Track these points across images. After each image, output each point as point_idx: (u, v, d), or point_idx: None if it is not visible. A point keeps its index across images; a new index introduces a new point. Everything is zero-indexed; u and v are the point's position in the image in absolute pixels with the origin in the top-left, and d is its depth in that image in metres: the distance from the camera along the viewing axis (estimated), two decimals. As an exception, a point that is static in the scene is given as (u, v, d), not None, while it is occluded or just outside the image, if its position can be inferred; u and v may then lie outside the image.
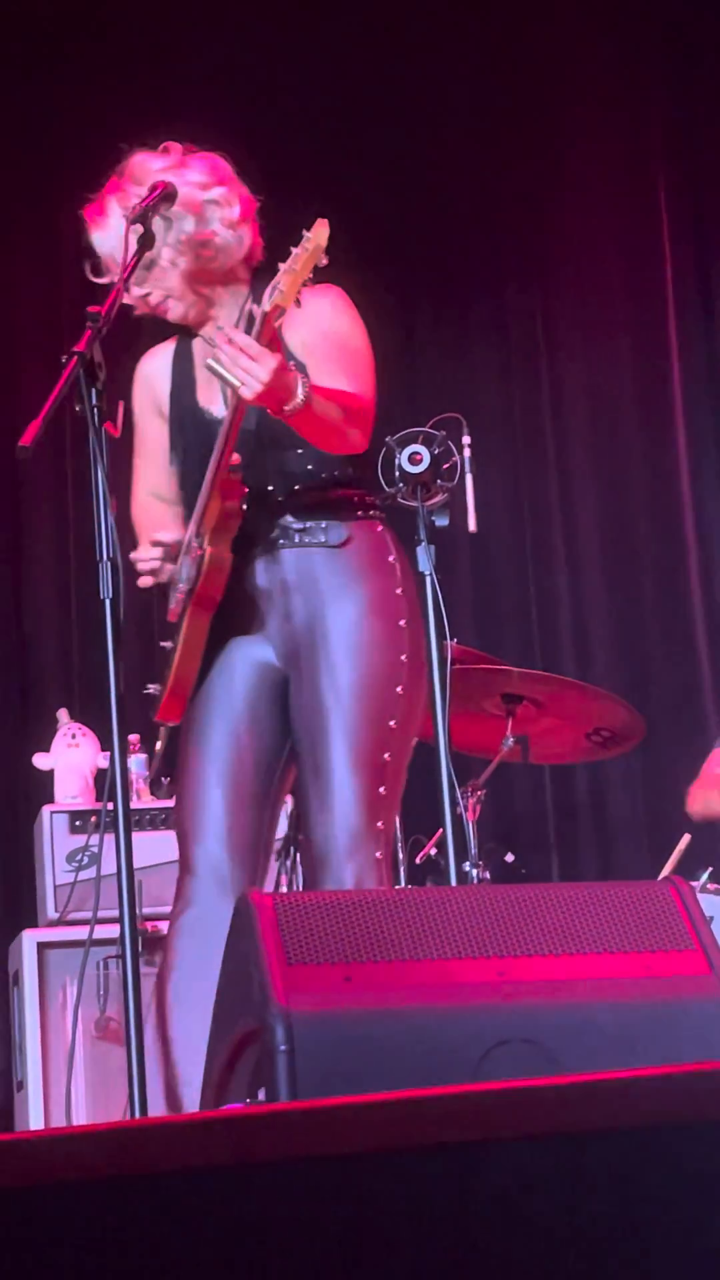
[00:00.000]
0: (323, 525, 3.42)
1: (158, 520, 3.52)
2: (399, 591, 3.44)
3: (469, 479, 3.93)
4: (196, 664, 3.41)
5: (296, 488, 3.42)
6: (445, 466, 3.63)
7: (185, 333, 3.57)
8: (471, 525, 4.07)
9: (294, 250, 3.18)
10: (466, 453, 3.83)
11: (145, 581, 3.41)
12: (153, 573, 3.39)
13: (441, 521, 3.62)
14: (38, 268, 6.17)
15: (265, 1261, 1.52)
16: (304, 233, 3.19)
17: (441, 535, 3.73)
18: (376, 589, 3.41)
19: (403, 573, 3.46)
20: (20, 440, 2.95)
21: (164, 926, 3.59)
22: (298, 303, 3.18)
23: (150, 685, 3.49)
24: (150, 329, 3.63)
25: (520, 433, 6.42)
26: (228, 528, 3.35)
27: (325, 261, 3.17)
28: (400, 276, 6.44)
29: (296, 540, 3.42)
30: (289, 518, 3.42)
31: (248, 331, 3.18)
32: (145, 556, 3.38)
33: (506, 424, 6.40)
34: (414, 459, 3.60)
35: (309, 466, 3.42)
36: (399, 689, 3.39)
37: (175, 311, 3.50)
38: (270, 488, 3.41)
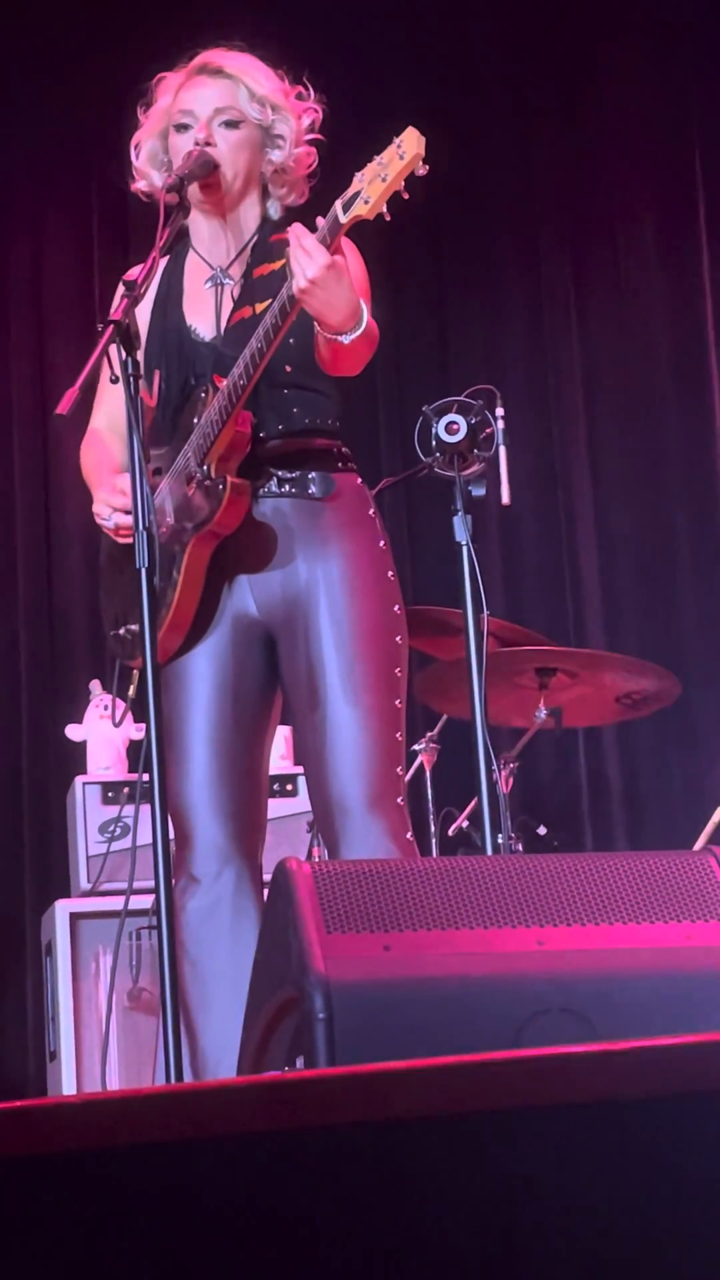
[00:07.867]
0: (311, 476, 3.35)
1: (111, 458, 3.43)
2: (382, 545, 3.40)
3: (502, 451, 3.92)
4: (197, 596, 3.33)
5: (280, 427, 3.34)
6: (482, 436, 3.61)
7: (179, 244, 3.45)
8: (505, 497, 4.06)
9: (377, 158, 2.97)
10: (500, 424, 3.82)
11: (127, 534, 3.26)
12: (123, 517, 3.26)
13: (478, 491, 3.60)
14: (67, 236, 6.17)
15: (305, 1226, 1.51)
16: (394, 140, 2.96)
17: (473, 505, 3.72)
18: (365, 543, 3.37)
19: (381, 525, 3.43)
20: (57, 409, 2.94)
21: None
22: (383, 216, 2.96)
23: (126, 628, 3.36)
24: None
25: (552, 404, 6.39)
26: (236, 457, 3.28)
27: (425, 171, 2.93)
28: (432, 245, 6.40)
29: (284, 490, 3.35)
30: (277, 466, 3.34)
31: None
32: (117, 503, 3.26)
33: (538, 396, 6.36)
34: (450, 428, 3.58)
35: (295, 410, 3.36)
36: (398, 639, 3.36)
37: (211, 194, 3.36)
38: (258, 426, 3.32)
